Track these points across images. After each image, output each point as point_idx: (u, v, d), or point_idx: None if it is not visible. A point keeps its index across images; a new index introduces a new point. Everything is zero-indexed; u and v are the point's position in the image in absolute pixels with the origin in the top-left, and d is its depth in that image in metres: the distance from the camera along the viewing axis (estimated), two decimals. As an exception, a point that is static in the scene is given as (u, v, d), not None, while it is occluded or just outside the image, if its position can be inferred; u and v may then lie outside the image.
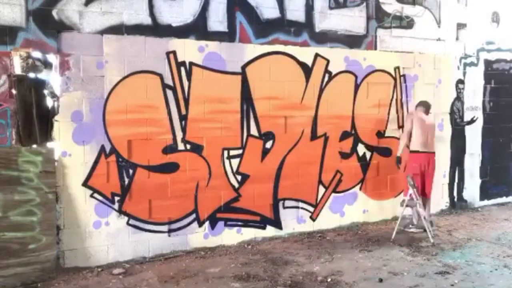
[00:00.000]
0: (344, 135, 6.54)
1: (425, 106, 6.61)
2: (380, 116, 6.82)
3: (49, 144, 4.93)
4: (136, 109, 5.24)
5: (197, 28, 5.54)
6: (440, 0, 7.28)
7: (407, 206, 6.17)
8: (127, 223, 5.23)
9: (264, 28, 5.92)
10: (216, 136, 5.67)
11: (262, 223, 6.03)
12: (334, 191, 6.52)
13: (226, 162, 5.75)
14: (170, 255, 5.41)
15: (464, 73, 7.62)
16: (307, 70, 6.22)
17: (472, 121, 7.74)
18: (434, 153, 6.48)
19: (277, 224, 6.14)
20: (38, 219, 4.76)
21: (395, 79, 6.92)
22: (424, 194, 6.42)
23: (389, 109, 6.88)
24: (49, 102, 4.97)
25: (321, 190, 6.43)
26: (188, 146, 5.55)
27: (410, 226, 6.43)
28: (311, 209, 6.37)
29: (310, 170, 6.32)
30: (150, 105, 5.32)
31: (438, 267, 5.10)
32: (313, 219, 6.40)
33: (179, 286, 4.66)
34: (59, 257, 4.93)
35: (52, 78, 4.93)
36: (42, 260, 4.76)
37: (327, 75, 6.37)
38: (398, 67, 6.93)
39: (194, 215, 5.62)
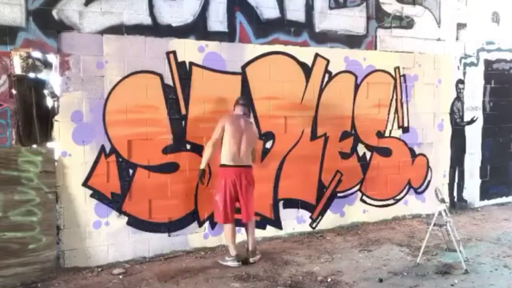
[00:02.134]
0: (344, 135, 6.55)
1: (245, 105, 5.45)
2: (380, 116, 6.82)
3: (49, 144, 4.92)
4: (136, 109, 5.24)
5: (197, 28, 5.54)
6: (440, 0, 7.28)
7: (435, 225, 5.24)
8: (127, 223, 5.23)
9: (264, 28, 5.93)
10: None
11: (262, 223, 6.03)
12: (334, 191, 6.52)
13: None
14: (170, 255, 5.41)
15: (464, 73, 7.62)
16: (307, 70, 6.22)
17: (472, 121, 7.75)
18: (249, 166, 5.34)
19: (277, 224, 6.14)
20: (38, 219, 4.77)
21: (395, 79, 6.92)
22: (244, 216, 5.35)
23: (389, 109, 6.88)
24: (49, 102, 4.96)
25: (321, 190, 6.43)
26: (188, 146, 5.55)
27: (227, 258, 5.22)
28: (311, 209, 6.37)
29: (310, 170, 6.32)
30: (150, 105, 5.32)
31: (438, 267, 5.10)
32: (313, 219, 6.40)
33: (179, 286, 4.66)
34: (59, 257, 4.93)
35: (52, 78, 4.93)
36: (42, 260, 4.76)
37: (327, 75, 6.37)
38: (398, 67, 6.93)
39: (194, 215, 5.62)
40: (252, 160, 5.43)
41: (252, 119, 5.61)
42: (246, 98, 5.62)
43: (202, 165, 5.23)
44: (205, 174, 5.32)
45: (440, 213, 5.16)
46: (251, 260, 5.23)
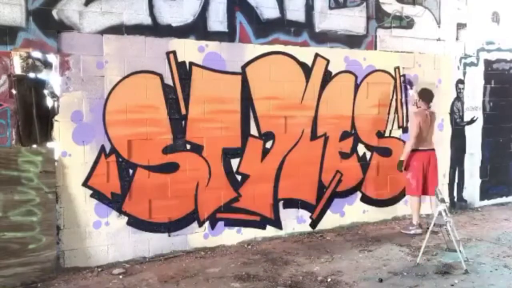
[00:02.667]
0: (344, 135, 6.54)
1: (428, 98, 6.52)
2: (380, 116, 6.82)
3: (49, 144, 4.92)
4: (136, 109, 5.24)
5: (197, 28, 5.54)
6: (440, 0, 7.28)
7: (435, 225, 5.28)
8: (127, 223, 5.23)
9: (264, 28, 5.93)
10: (216, 136, 5.67)
11: (262, 223, 6.03)
12: (334, 191, 6.52)
13: (226, 162, 5.75)
14: (170, 255, 5.41)
15: (464, 73, 7.62)
16: (307, 70, 6.22)
17: (472, 121, 7.75)
18: (434, 150, 6.45)
19: (277, 224, 6.14)
20: (38, 219, 4.77)
21: (395, 79, 6.92)
22: (427, 193, 6.44)
23: (389, 109, 6.88)
24: (49, 102, 4.96)
25: (321, 190, 6.43)
26: (188, 146, 5.55)
27: (410, 228, 6.37)
28: (311, 209, 6.37)
29: (310, 170, 6.32)
30: (150, 105, 5.32)
31: (438, 267, 5.10)
32: (313, 219, 6.40)
33: (179, 286, 4.66)
34: (59, 257, 4.93)
35: (52, 78, 4.93)
36: (42, 260, 4.76)
37: (327, 75, 6.37)
38: (398, 67, 6.93)
39: (194, 215, 5.62)
40: None
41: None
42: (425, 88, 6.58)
43: (403, 157, 6.37)
44: (403, 164, 6.37)
45: (440, 213, 5.16)
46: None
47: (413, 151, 6.32)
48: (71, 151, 4.96)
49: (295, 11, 6.12)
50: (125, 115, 5.19)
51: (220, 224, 5.78)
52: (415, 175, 6.33)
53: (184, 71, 5.48)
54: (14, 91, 4.72)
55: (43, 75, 4.91)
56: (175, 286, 4.66)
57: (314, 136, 6.32)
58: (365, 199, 6.79)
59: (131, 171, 5.26)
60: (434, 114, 6.53)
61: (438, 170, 6.54)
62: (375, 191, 6.84)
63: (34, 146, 4.85)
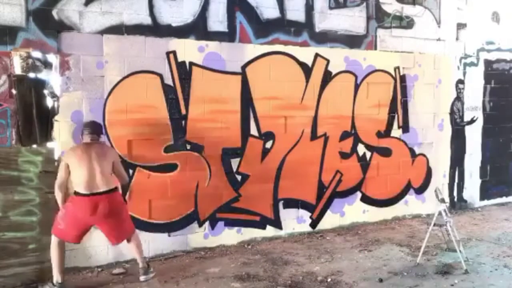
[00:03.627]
0: (344, 135, 6.54)
1: (92, 130, 4.68)
2: (380, 116, 6.82)
3: (49, 144, 4.92)
4: (136, 109, 5.24)
5: (197, 28, 5.54)
6: (440, 0, 7.28)
7: (435, 225, 5.20)
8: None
9: (264, 28, 5.92)
10: (216, 136, 5.67)
11: (262, 223, 6.03)
12: (334, 191, 6.52)
13: (226, 162, 5.75)
14: (170, 255, 5.41)
15: (464, 73, 7.62)
16: (307, 70, 6.22)
17: (472, 121, 7.75)
18: (108, 192, 4.54)
19: (277, 224, 6.14)
20: (38, 219, 4.77)
21: (395, 79, 6.92)
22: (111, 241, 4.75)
23: (389, 109, 6.87)
24: (49, 102, 4.96)
25: (321, 190, 6.42)
26: (188, 146, 5.55)
27: None
28: (311, 209, 6.37)
29: (310, 170, 6.32)
30: (150, 105, 5.32)
31: (438, 267, 5.10)
32: (313, 219, 6.40)
33: (179, 286, 4.66)
34: (59, 257, 4.93)
35: (52, 78, 4.93)
36: (42, 260, 4.76)
37: (327, 75, 6.36)
38: (398, 67, 6.93)
39: (194, 215, 5.62)
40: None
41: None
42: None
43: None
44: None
45: (440, 213, 5.15)
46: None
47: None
48: (71, 151, 4.95)
49: (295, 11, 6.12)
50: (125, 115, 5.19)
51: (220, 224, 5.78)
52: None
53: (184, 71, 5.48)
54: (14, 91, 4.72)
55: (43, 75, 4.91)
56: (175, 286, 4.66)
57: (314, 136, 6.32)
58: (365, 199, 6.79)
59: (131, 171, 5.26)
60: (105, 147, 4.83)
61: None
62: (375, 191, 6.84)
63: (34, 146, 4.84)
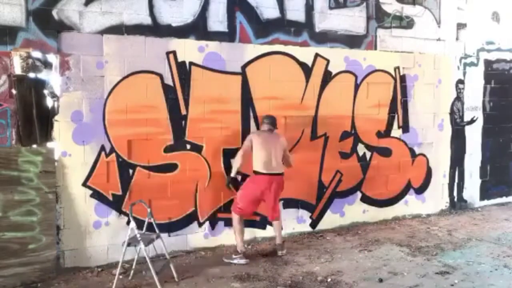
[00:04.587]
0: (344, 135, 6.54)
1: (270, 122, 5.64)
2: (380, 116, 6.82)
3: (49, 144, 4.93)
4: (136, 109, 5.24)
5: (197, 28, 5.54)
6: (440, 0, 7.28)
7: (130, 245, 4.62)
8: (127, 223, 5.22)
9: (264, 28, 5.92)
10: (216, 136, 5.67)
11: (262, 223, 6.03)
12: (334, 191, 6.52)
13: (226, 162, 5.75)
14: (170, 255, 5.40)
15: (464, 73, 7.62)
16: (307, 70, 6.22)
17: (472, 121, 7.74)
18: (281, 174, 5.54)
19: (277, 224, 6.14)
20: (38, 219, 4.77)
21: (395, 79, 6.92)
22: (269, 217, 5.67)
23: (389, 109, 6.87)
24: (49, 102, 4.96)
25: (321, 190, 6.42)
26: (188, 146, 5.55)
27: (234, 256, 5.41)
28: (311, 209, 6.37)
29: (310, 170, 6.32)
30: (150, 105, 5.32)
31: (438, 267, 5.10)
32: (313, 219, 6.40)
33: (179, 286, 4.66)
34: (59, 257, 4.93)
35: (52, 78, 4.93)
36: (42, 260, 4.77)
37: (327, 75, 6.36)
38: (398, 67, 6.93)
39: (194, 215, 5.62)
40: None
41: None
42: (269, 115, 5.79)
43: (233, 173, 5.56)
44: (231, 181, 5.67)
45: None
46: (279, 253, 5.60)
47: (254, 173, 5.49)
48: (71, 151, 4.96)
49: (295, 11, 6.12)
50: (125, 115, 5.19)
51: (220, 224, 5.78)
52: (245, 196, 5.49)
53: (184, 71, 5.48)
54: (14, 91, 4.72)
55: (43, 75, 4.91)
56: (175, 286, 4.66)
57: (314, 136, 6.32)
58: (365, 199, 6.79)
59: (131, 171, 5.27)
60: (279, 136, 5.68)
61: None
62: (375, 191, 6.84)
63: (34, 146, 4.85)
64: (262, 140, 5.48)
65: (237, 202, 5.50)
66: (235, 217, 5.50)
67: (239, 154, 5.44)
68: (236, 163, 5.47)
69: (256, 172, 5.46)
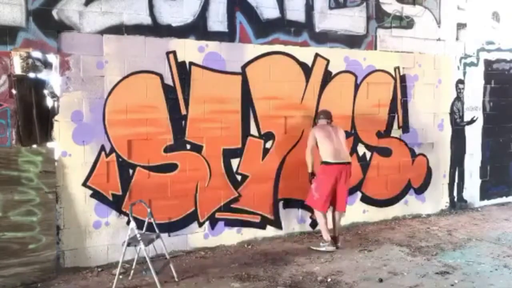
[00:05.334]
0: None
1: (326, 116, 5.92)
2: (380, 116, 6.82)
3: (49, 144, 4.93)
4: (136, 109, 5.24)
5: (197, 28, 5.54)
6: (440, 0, 7.28)
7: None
8: (127, 223, 5.22)
9: (264, 28, 5.92)
10: (216, 136, 5.67)
11: (262, 223, 6.03)
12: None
13: (226, 162, 5.75)
14: (170, 255, 5.40)
15: (464, 73, 7.62)
16: (307, 70, 6.22)
17: (472, 121, 7.74)
18: (349, 163, 5.82)
19: (277, 224, 6.14)
20: (38, 219, 4.77)
21: (395, 79, 6.92)
22: (338, 208, 5.86)
23: (389, 109, 6.87)
24: (49, 102, 4.96)
25: (321, 190, 6.42)
26: (188, 146, 5.55)
27: (321, 244, 5.72)
28: (311, 209, 6.35)
29: (310, 170, 6.32)
30: (150, 105, 5.32)
31: (438, 267, 5.10)
32: (313, 219, 6.39)
33: (179, 286, 4.66)
34: (59, 257, 4.93)
35: (52, 78, 4.93)
36: (42, 260, 4.77)
37: (327, 75, 6.36)
38: (398, 67, 6.93)
39: (194, 215, 5.62)
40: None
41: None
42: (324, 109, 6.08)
43: (309, 169, 5.81)
44: (314, 175, 5.84)
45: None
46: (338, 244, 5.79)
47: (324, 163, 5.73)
48: (71, 151, 4.96)
49: (295, 11, 6.12)
50: (125, 115, 5.19)
51: (220, 224, 5.78)
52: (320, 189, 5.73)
53: (184, 71, 5.48)
54: (14, 91, 4.72)
55: (43, 75, 4.91)
56: (175, 286, 4.66)
57: (314, 136, 6.31)
58: (365, 199, 6.79)
59: (131, 171, 5.27)
60: (338, 127, 5.93)
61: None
62: (375, 191, 6.84)
63: (34, 146, 4.85)
64: (325, 133, 5.75)
65: (313, 194, 5.75)
66: (318, 213, 5.80)
67: (308, 151, 5.75)
68: (308, 159, 5.75)
69: (326, 163, 5.68)
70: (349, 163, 5.82)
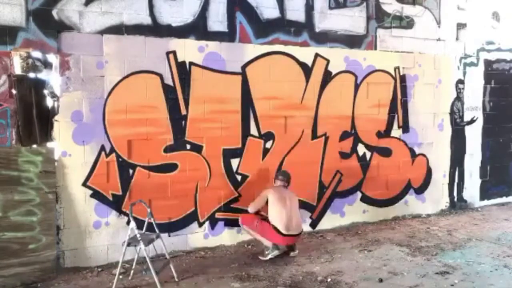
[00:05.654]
0: (344, 135, 6.54)
1: (285, 177, 5.64)
2: (380, 116, 6.82)
3: (49, 144, 4.93)
4: (136, 109, 5.24)
5: (197, 28, 5.54)
6: (440, 0, 7.27)
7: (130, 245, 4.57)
8: (127, 223, 5.22)
9: (264, 28, 5.92)
10: (216, 136, 5.67)
11: (262, 223, 6.02)
12: (334, 191, 6.52)
13: (226, 162, 5.75)
14: (170, 255, 5.40)
15: (464, 73, 7.62)
16: (307, 70, 6.22)
17: (472, 121, 7.74)
18: (299, 234, 5.51)
19: (277, 224, 6.14)
20: (38, 219, 4.77)
21: (395, 79, 6.92)
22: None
23: (389, 109, 6.87)
24: (49, 102, 4.96)
25: (321, 190, 6.42)
26: (188, 146, 5.55)
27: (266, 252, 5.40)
28: (311, 209, 6.37)
29: (310, 170, 6.32)
30: (150, 105, 5.32)
31: (438, 267, 5.10)
32: (313, 219, 6.40)
33: (179, 286, 4.66)
34: (59, 257, 4.93)
35: (52, 78, 4.93)
36: (42, 260, 4.77)
37: (327, 75, 6.36)
38: (398, 67, 6.93)
39: (194, 215, 5.62)
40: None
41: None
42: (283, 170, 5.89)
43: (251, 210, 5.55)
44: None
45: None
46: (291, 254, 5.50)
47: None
48: (71, 151, 4.96)
49: (295, 11, 6.12)
50: (125, 115, 5.20)
51: (220, 224, 5.78)
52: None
53: (184, 71, 5.48)
54: (14, 91, 4.72)
55: (43, 75, 4.91)
56: (175, 286, 4.66)
57: (314, 136, 6.32)
58: (365, 199, 6.79)
59: (131, 171, 5.27)
60: (293, 193, 5.61)
61: None
62: (375, 191, 6.83)
63: (34, 146, 4.85)
64: (280, 196, 5.38)
65: (256, 225, 5.43)
66: (244, 227, 5.57)
67: (252, 209, 5.47)
68: (251, 211, 5.50)
69: (276, 230, 5.31)
70: (299, 234, 5.43)
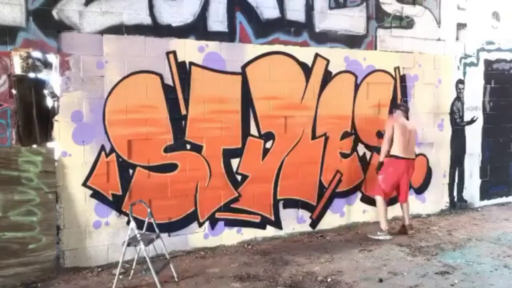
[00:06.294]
0: (344, 135, 6.54)
1: (404, 110, 6.47)
2: (380, 116, 6.82)
3: (49, 144, 4.93)
4: (136, 109, 5.24)
5: (197, 28, 5.54)
6: (440, 0, 7.28)
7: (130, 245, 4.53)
8: (127, 223, 5.22)
9: (264, 28, 5.92)
10: (216, 136, 5.67)
11: (262, 223, 6.03)
12: (334, 191, 6.52)
13: (226, 162, 5.75)
14: (170, 255, 5.40)
15: (464, 73, 7.62)
16: (307, 70, 6.22)
17: (472, 121, 7.75)
18: (414, 159, 6.36)
19: (277, 224, 6.14)
20: (38, 219, 4.77)
21: (395, 79, 6.92)
22: (401, 199, 6.41)
23: (389, 109, 6.87)
24: (49, 102, 4.97)
25: (321, 190, 6.42)
26: (188, 146, 5.55)
27: (379, 233, 6.23)
28: (311, 209, 6.37)
29: (310, 170, 6.32)
30: (150, 105, 5.32)
31: (438, 267, 5.10)
32: (313, 219, 6.40)
33: (179, 286, 4.66)
34: (59, 257, 4.93)
35: (52, 78, 4.93)
36: (42, 260, 4.77)
37: (327, 75, 6.36)
38: (398, 67, 6.93)
39: (194, 215, 5.62)
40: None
41: None
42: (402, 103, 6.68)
43: (381, 158, 6.25)
44: (381, 166, 6.25)
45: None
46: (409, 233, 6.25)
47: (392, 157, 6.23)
48: (71, 151, 4.96)
49: (295, 11, 6.12)
50: (125, 115, 5.20)
51: (220, 224, 5.79)
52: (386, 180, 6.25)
53: (184, 71, 5.48)
54: (14, 91, 4.72)
55: (43, 75, 4.91)
56: (175, 286, 4.66)
57: (314, 136, 6.32)
58: (365, 199, 6.79)
59: (131, 171, 5.27)
60: (411, 123, 6.50)
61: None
62: (375, 191, 6.81)
63: (34, 146, 4.85)
64: (402, 127, 6.14)
65: (380, 186, 6.20)
66: (378, 199, 6.22)
67: (386, 141, 6.16)
68: (384, 148, 6.18)
69: (396, 157, 6.12)
70: (414, 159, 6.31)
